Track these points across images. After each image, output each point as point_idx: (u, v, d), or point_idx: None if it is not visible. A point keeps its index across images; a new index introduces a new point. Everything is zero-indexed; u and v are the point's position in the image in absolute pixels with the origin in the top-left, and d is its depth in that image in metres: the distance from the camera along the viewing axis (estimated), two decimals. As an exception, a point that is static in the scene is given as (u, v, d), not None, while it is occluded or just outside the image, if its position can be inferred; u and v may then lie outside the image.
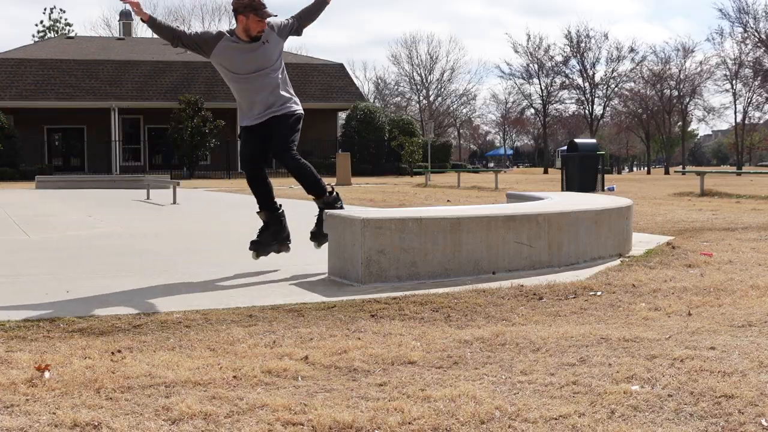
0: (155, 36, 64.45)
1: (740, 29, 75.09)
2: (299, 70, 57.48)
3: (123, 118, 54.27)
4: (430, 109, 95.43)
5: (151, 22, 7.28)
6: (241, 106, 7.71)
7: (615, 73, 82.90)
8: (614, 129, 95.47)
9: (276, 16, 7.35)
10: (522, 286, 6.54)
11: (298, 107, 7.68)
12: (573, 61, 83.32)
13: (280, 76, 7.57)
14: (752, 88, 75.80)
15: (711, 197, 21.57)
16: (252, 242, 7.91)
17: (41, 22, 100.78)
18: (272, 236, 7.94)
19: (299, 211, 16.15)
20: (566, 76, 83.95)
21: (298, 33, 7.68)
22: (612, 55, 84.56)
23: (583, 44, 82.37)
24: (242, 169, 7.79)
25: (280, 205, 8.06)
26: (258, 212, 7.98)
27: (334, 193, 7.84)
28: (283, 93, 7.58)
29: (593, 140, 30.70)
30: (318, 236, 7.89)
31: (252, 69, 7.43)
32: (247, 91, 7.53)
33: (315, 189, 7.70)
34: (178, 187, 21.52)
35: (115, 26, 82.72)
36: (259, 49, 7.37)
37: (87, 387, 3.81)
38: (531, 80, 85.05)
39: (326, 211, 7.47)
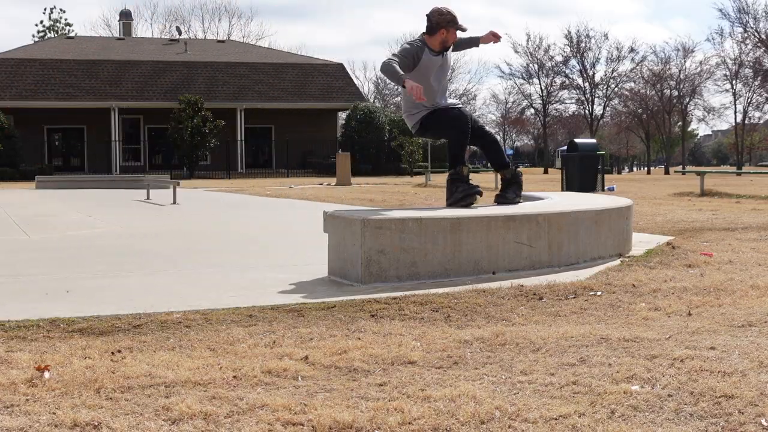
0: (155, 35, 64.31)
1: (740, 29, 75.14)
2: (299, 70, 57.49)
3: (123, 118, 54.25)
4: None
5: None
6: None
7: (615, 73, 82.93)
8: (614, 129, 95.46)
9: (467, 29, 8.14)
10: (522, 286, 6.54)
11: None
12: (573, 61, 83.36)
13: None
14: (752, 88, 75.81)
15: (711, 197, 21.57)
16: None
17: (41, 22, 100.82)
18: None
19: (298, 212, 16.15)
20: (566, 76, 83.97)
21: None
22: (612, 55, 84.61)
23: (583, 44, 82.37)
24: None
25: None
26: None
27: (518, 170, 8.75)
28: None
29: (593, 140, 30.70)
30: (501, 198, 8.63)
31: (442, 76, 8.24)
32: (435, 93, 8.20)
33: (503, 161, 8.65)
34: (178, 187, 21.53)
35: (115, 26, 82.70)
36: (445, 58, 8.22)
37: (87, 387, 3.81)
38: (531, 80, 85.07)
39: (325, 211, 7.48)
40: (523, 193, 8.85)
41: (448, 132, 8.24)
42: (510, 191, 8.63)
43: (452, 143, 8.25)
